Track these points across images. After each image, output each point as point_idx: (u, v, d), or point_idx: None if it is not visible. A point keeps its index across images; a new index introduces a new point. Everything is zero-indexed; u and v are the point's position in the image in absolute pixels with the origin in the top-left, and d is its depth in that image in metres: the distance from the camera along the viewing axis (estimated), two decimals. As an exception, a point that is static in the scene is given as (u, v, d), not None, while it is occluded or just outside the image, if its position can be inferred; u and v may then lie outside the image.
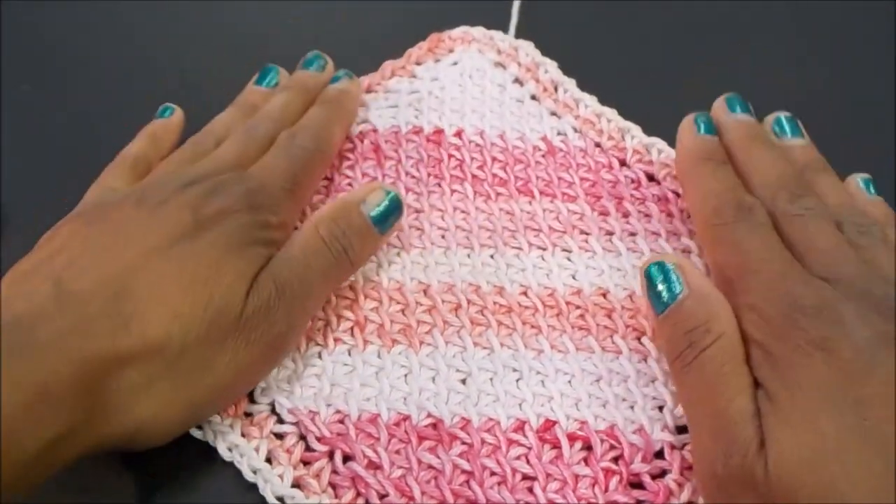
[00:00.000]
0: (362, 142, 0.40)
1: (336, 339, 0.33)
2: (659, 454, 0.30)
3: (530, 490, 0.29)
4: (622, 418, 0.31)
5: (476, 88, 0.43)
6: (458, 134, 0.41)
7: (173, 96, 0.42)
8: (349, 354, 0.33)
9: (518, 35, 0.45)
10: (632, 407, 0.31)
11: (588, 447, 0.30)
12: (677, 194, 0.38)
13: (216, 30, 0.48)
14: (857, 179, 0.34)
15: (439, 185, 0.39)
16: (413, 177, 0.39)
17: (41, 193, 0.38)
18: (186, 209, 0.30)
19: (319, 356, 0.33)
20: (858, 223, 0.31)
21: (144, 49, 0.46)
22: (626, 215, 0.37)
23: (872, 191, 0.34)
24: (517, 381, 0.32)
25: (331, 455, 0.30)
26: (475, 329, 0.33)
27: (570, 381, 0.32)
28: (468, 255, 0.36)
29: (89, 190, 0.34)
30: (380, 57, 0.43)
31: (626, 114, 0.41)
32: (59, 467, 0.26)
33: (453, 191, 0.38)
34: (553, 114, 0.42)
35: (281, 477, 0.29)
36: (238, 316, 0.28)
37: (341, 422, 0.31)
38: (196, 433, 0.30)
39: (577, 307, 0.34)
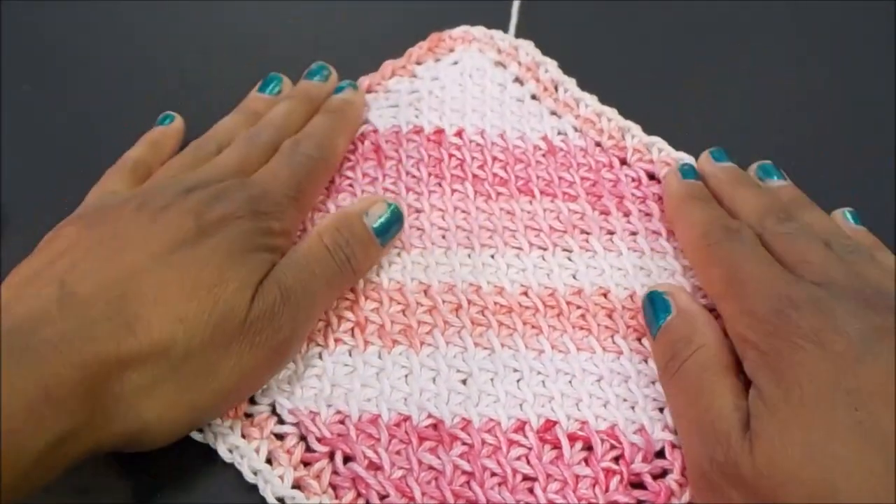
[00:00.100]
0: (363, 142, 0.40)
1: (336, 340, 0.33)
2: (660, 454, 0.30)
3: (531, 490, 0.29)
4: (623, 418, 0.31)
5: (476, 88, 0.42)
6: (459, 133, 0.41)
7: (173, 96, 0.42)
8: (350, 355, 0.33)
9: (518, 34, 0.45)
10: (633, 407, 0.31)
11: (589, 447, 0.30)
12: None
13: (216, 30, 0.48)
14: (843, 211, 0.35)
15: (440, 184, 0.39)
16: (414, 176, 0.39)
17: (41, 193, 0.38)
18: (189, 215, 0.30)
19: (320, 357, 0.33)
20: (846, 243, 0.32)
21: (144, 49, 0.46)
22: (626, 214, 0.37)
23: (858, 222, 0.35)
24: (518, 381, 0.32)
25: (331, 456, 0.30)
26: (476, 329, 0.33)
27: (570, 382, 0.32)
28: (469, 255, 0.36)
29: (90, 192, 0.34)
30: (380, 57, 0.43)
31: (626, 113, 0.41)
32: (61, 469, 0.26)
33: (454, 190, 0.38)
34: (553, 113, 0.42)
35: (281, 478, 0.29)
36: (243, 321, 0.28)
37: (342, 422, 0.31)
38: (196, 435, 0.30)
39: (578, 307, 0.34)
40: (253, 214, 0.31)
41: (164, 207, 0.30)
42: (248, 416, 0.31)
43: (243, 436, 0.30)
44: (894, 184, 0.39)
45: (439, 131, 0.41)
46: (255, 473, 0.29)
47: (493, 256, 0.36)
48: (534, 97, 0.42)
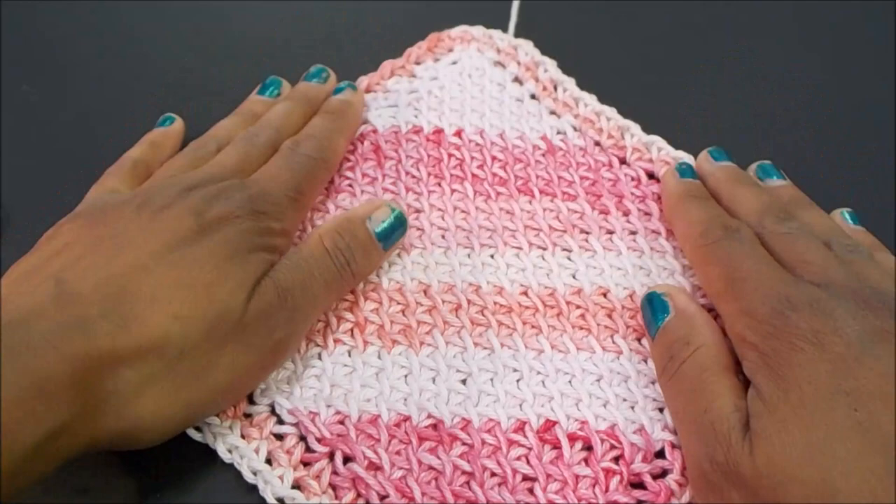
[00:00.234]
0: (362, 142, 0.40)
1: (336, 340, 0.33)
2: (660, 454, 0.30)
3: (531, 491, 0.29)
4: (623, 418, 0.31)
5: (475, 88, 0.42)
6: (458, 133, 0.41)
7: (173, 96, 0.42)
8: (349, 355, 0.33)
9: (517, 34, 0.45)
10: (632, 407, 0.31)
11: (588, 447, 0.30)
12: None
13: (216, 29, 0.48)
14: (842, 212, 0.35)
15: (439, 184, 0.39)
16: (413, 176, 0.39)
17: (41, 193, 0.38)
18: (189, 214, 0.30)
19: (319, 357, 0.33)
20: (846, 243, 0.31)
21: (144, 49, 0.46)
22: (626, 213, 0.37)
23: (856, 222, 0.35)
24: (517, 381, 0.32)
25: (331, 456, 0.30)
26: (475, 329, 0.33)
27: (570, 381, 0.32)
28: (468, 255, 0.36)
29: (90, 191, 0.34)
30: (379, 56, 0.43)
31: (625, 112, 0.41)
32: (55, 465, 0.26)
33: (453, 190, 0.38)
34: (553, 113, 0.42)
35: (281, 478, 0.29)
36: (239, 320, 0.28)
37: (341, 423, 0.31)
38: (196, 435, 0.30)
39: (578, 307, 0.34)
40: (252, 214, 0.31)
41: (163, 207, 0.30)
42: (248, 416, 0.31)
43: (243, 436, 0.30)
44: (894, 184, 0.39)
45: (438, 131, 0.41)
46: (254, 474, 0.29)
47: (492, 256, 0.36)
48: (533, 97, 0.42)
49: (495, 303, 0.34)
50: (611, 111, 0.41)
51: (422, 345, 0.33)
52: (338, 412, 0.31)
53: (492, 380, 0.32)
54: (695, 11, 0.48)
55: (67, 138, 0.42)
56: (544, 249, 0.36)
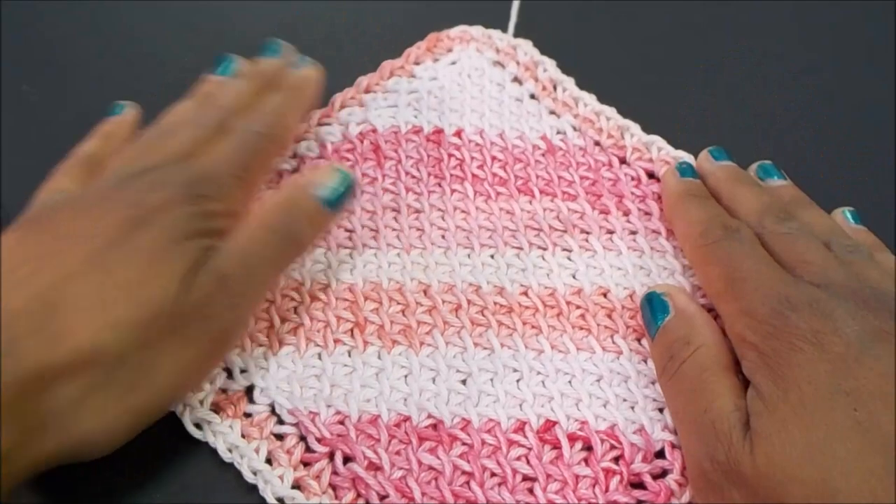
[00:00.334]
0: (362, 142, 0.40)
1: (336, 341, 0.33)
2: (660, 454, 0.30)
3: (531, 491, 0.29)
4: (623, 418, 0.31)
5: (475, 88, 0.42)
6: (458, 133, 0.41)
7: (173, 96, 0.41)
8: (349, 355, 0.33)
9: (517, 34, 0.45)
10: (632, 407, 0.31)
11: (588, 447, 0.30)
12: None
13: (216, 29, 0.48)
14: (843, 210, 0.35)
15: (439, 184, 0.39)
16: (413, 177, 0.39)
17: (41, 194, 0.37)
18: (124, 208, 0.29)
19: (319, 357, 0.33)
20: (846, 244, 0.31)
21: (144, 49, 0.46)
22: (626, 213, 0.37)
23: (858, 221, 0.35)
24: (517, 381, 0.32)
25: (331, 456, 0.30)
26: (475, 329, 0.33)
27: (570, 382, 0.32)
28: (468, 255, 0.36)
29: (40, 192, 0.33)
30: (378, 57, 0.43)
31: (625, 112, 0.41)
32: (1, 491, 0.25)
33: (453, 190, 0.38)
34: (552, 112, 0.42)
35: (281, 478, 0.29)
36: (176, 316, 0.27)
37: (341, 423, 0.31)
38: (196, 434, 0.30)
39: (578, 307, 0.34)
40: (191, 198, 0.30)
41: (100, 202, 0.29)
42: (248, 416, 0.31)
43: (243, 436, 0.30)
44: (894, 184, 0.39)
45: (438, 131, 0.41)
46: (254, 473, 0.29)
47: (492, 256, 0.36)
48: (532, 97, 0.42)
49: (495, 303, 0.34)
50: (610, 111, 0.41)
51: (422, 345, 0.33)
52: (338, 412, 0.31)
53: (492, 380, 0.32)
54: (694, 11, 0.48)
55: (67, 138, 0.41)
56: (544, 249, 0.36)
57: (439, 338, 0.33)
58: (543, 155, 0.40)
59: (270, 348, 0.33)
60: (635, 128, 0.40)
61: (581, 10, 0.48)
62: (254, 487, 0.29)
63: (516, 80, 0.43)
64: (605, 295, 0.35)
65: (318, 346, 0.33)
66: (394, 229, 0.37)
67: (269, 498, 0.29)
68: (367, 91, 0.42)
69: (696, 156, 0.38)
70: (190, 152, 0.33)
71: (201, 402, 0.31)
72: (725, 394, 0.27)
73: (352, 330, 0.33)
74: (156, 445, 0.30)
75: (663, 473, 0.30)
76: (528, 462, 0.30)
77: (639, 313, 0.33)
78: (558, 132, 0.41)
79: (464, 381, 0.32)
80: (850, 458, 0.24)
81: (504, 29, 0.45)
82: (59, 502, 0.29)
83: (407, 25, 0.46)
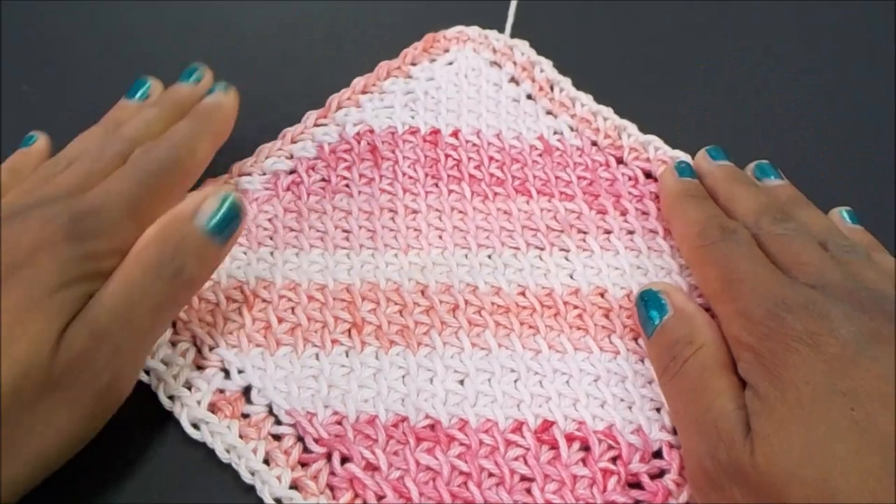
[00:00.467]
0: (359, 143, 0.40)
1: (333, 341, 0.33)
2: (657, 454, 0.30)
3: (528, 491, 0.29)
4: (620, 418, 0.31)
5: (472, 88, 0.42)
6: (455, 134, 0.41)
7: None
8: (347, 356, 0.33)
9: (514, 34, 0.45)
10: (630, 407, 0.31)
11: (586, 447, 0.30)
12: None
13: (216, 29, 0.48)
14: (840, 210, 0.35)
15: (437, 185, 0.39)
16: (410, 177, 0.39)
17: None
18: None
19: (317, 357, 0.33)
20: (843, 244, 0.31)
21: (144, 49, 0.46)
22: (623, 213, 0.37)
23: (855, 221, 0.35)
24: (515, 381, 0.32)
25: (329, 456, 0.30)
26: (473, 330, 0.33)
27: (567, 382, 0.32)
28: (466, 256, 0.36)
29: None
30: (375, 57, 0.43)
31: (622, 112, 0.41)
32: None
33: (451, 191, 0.38)
34: (549, 113, 0.42)
35: (279, 478, 0.29)
36: (46, 377, 0.25)
37: (339, 423, 0.31)
38: (194, 434, 0.30)
39: (575, 307, 0.34)
40: (71, 239, 0.27)
41: None
42: (246, 416, 0.31)
43: (241, 436, 0.30)
44: (894, 184, 0.39)
45: (435, 132, 0.41)
46: (252, 474, 0.29)
47: (490, 256, 0.36)
48: (529, 97, 0.42)
49: (493, 303, 0.34)
50: (607, 111, 0.41)
51: (419, 345, 0.33)
52: (335, 413, 0.31)
53: (489, 380, 0.32)
54: (693, 11, 0.48)
55: (67, 138, 0.41)
56: (542, 249, 0.36)
57: (437, 338, 0.33)
58: (540, 155, 0.40)
59: (268, 349, 0.33)
60: (632, 128, 0.40)
61: (578, 10, 0.48)
62: (251, 488, 0.29)
63: (513, 80, 0.43)
64: (602, 295, 0.35)
65: (315, 346, 0.33)
66: (391, 230, 0.37)
67: (267, 498, 0.29)
68: (363, 92, 0.42)
69: (693, 155, 0.38)
70: (83, 185, 0.30)
71: (199, 403, 0.31)
72: (727, 393, 0.27)
73: (349, 330, 0.33)
74: (154, 445, 0.31)
75: (661, 473, 0.30)
76: (525, 462, 0.30)
77: (636, 313, 0.33)
78: (555, 132, 0.41)
79: (461, 382, 0.32)
80: (848, 458, 0.24)
81: (501, 29, 0.45)
82: (58, 502, 0.29)
83: (404, 26, 0.46)
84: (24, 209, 0.28)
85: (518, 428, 0.31)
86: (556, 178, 0.39)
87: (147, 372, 0.32)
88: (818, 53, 0.46)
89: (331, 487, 0.29)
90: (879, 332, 0.26)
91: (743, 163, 0.38)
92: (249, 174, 0.39)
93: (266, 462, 0.30)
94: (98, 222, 0.28)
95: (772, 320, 0.27)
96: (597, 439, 0.30)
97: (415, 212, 0.38)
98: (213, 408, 0.31)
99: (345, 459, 0.30)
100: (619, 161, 0.40)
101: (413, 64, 0.43)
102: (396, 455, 0.30)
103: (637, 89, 0.43)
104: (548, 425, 0.31)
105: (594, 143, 0.40)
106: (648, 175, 0.39)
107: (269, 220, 0.37)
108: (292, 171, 0.39)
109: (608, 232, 0.37)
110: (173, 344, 0.33)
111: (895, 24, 0.47)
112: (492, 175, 0.39)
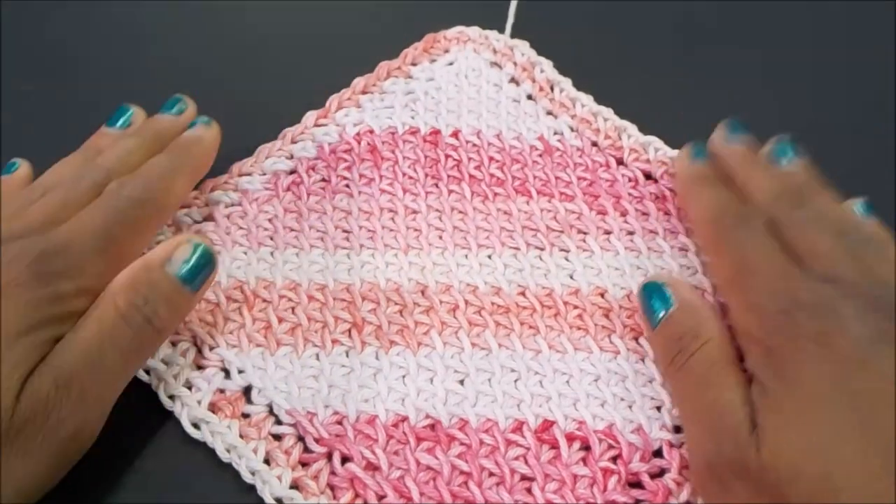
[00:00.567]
0: (359, 143, 0.40)
1: (334, 341, 0.33)
2: (657, 453, 0.30)
3: (529, 490, 0.29)
4: (620, 418, 0.31)
5: (472, 88, 0.43)
6: (455, 134, 0.41)
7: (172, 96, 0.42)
8: (347, 356, 0.33)
9: (514, 35, 0.45)
10: (630, 406, 0.31)
11: (586, 447, 0.30)
12: (674, 192, 0.38)
13: (215, 30, 0.48)
14: (857, 202, 0.34)
15: (437, 185, 0.39)
16: (410, 177, 0.39)
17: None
18: None
19: (317, 357, 0.33)
20: (857, 236, 0.31)
21: (145, 49, 0.46)
22: (623, 214, 0.37)
23: (870, 213, 0.34)
24: (515, 381, 0.32)
25: (329, 456, 0.30)
26: (473, 330, 0.33)
27: (568, 381, 0.32)
28: (466, 256, 0.36)
29: None
30: (375, 57, 0.43)
31: (622, 113, 0.41)
32: None
33: (451, 191, 0.38)
34: (549, 113, 0.42)
35: (279, 478, 0.29)
36: (7, 427, 0.24)
37: (339, 423, 0.31)
38: (194, 434, 0.30)
39: (575, 307, 0.34)
40: (38, 279, 0.27)
41: None
42: (246, 416, 0.31)
43: (241, 436, 0.30)
44: (895, 184, 0.39)
45: (435, 132, 0.41)
46: (252, 474, 0.29)
47: (490, 257, 0.36)
48: (530, 97, 0.42)
49: (493, 303, 0.34)
50: (608, 112, 0.41)
51: (419, 345, 0.33)
52: (336, 412, 0.31)
53: (489, 380, 0.32)
54: (693, 11, 0.48)
55: (67, 138, 0.42)
56: (542, 250, 0.36)
57: (437, 338, 0.33)
58: (541, 156, 0.40)
59: (268, 348, 0.33)
60: (632, 128, 0.40)
61: (578, 10, 0.48)
62: (252, 488, 0.29)
63: (513, 80, 0.43)
64: (602, 295, 0.35)
65: (315, 346, 0.33)
66: (391, 230, 0.37)
67: (268, 498, 0.29)
68: (363, 92, 0.42)
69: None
70: (56, 216, 0.30)
71: (199, 402, 0.31)
72: (734, 388, 0.27)
73: (349, 330, 0.33)
74: (153, 445, 0.31)
75: (661, 473, 0.30)
76: (526, 462, 0.30)
77: (636, 313, 0.33)
78: (555, 133, 0.41)
79: (461, 382, 0.32)
80: (853, 459, 0.24)
81: (501, 30, 0.45)
82: (57, 503, 0.29)
83: (404, 26, 0.46)
84: None
85: (518, 428, 0.31)
86: (557, 178, 0.39)
87: (147, 371, 0.32)
88: (819, 53, 0.46)
89: (331, 487, 0.29)
90: (890, 333, 0.26)
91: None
92: (249, 174, 0.39)
93: (266, 462, 0.30)
94: (67, 261, 0.28)
95: (782, 317, 0.27)
96: (597, 439, 0.30)
97: (415, 212, 0.38)
98: (213, 407, 0.31)
99: (345, 459, 0.30)
100: (620, 162, 0.40)
101: (413, 64, 0.44)
102: (397, 455, 0.30)
103: (637, 90, 0.43)
104: (548, 425, 0.31)
105: (594, 144, 0.40)
106: (648, 176, 0.39)
107: (270, 220, 0.37)
108: (292, 172, 0.39)
109: (608, 232, 0.37)
110: (173, 344, 0.33)
111: (895, 24, 0.47)
112: (492, 175, 0.39)
